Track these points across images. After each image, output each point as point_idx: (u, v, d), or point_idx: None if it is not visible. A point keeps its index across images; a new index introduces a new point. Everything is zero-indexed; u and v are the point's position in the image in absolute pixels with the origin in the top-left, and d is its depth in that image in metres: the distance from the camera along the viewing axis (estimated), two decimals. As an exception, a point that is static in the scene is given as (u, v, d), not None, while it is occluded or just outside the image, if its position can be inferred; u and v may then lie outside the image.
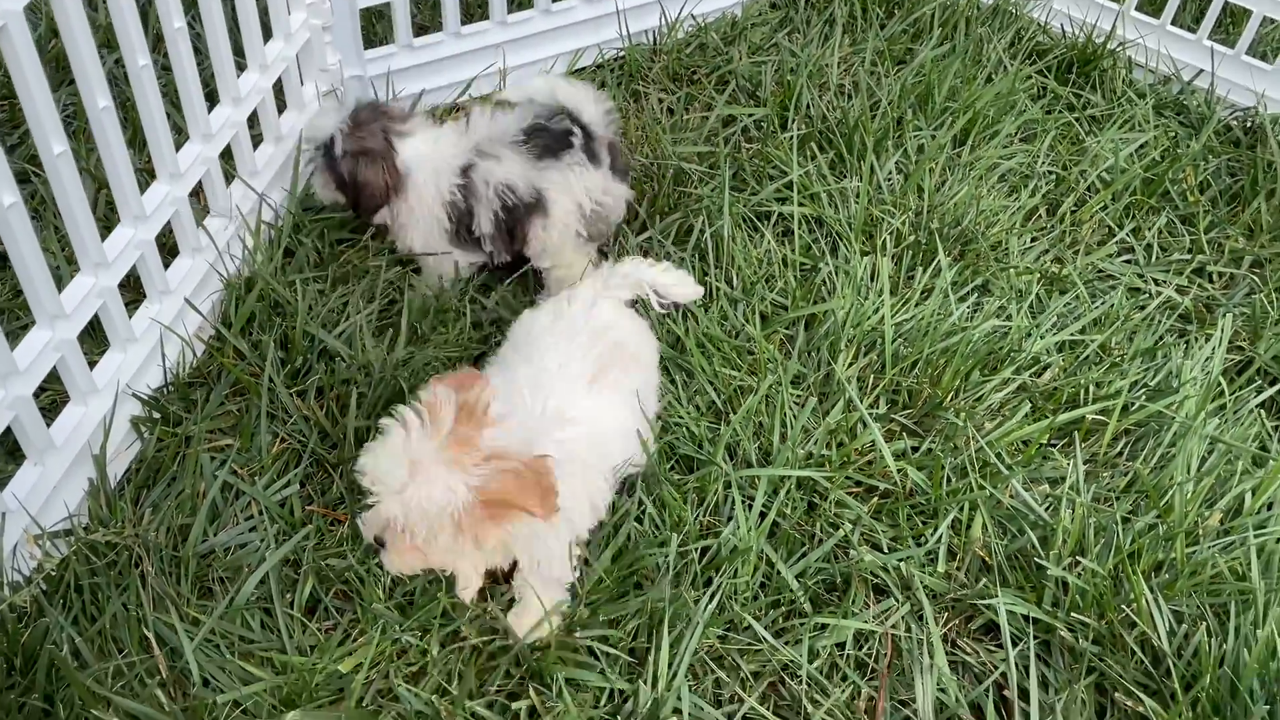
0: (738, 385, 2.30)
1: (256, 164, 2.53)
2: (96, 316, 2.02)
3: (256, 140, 2.57)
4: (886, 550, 2.06)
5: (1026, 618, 1.96)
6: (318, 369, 2.25)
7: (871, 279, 2.52)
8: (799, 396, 2.29)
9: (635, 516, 2.01)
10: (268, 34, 2.55)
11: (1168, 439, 2.27)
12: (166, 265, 2.24)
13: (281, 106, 2.68)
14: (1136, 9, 3.31)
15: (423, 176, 2.38)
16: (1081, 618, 1.94)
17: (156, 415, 2.17)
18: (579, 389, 1.87)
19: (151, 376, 2.18)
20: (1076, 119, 3.11)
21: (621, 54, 3.27)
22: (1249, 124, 3.14)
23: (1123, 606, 1.93)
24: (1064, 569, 1.99)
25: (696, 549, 1.99)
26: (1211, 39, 3.21)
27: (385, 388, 2.22)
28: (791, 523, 2.06)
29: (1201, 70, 3.23)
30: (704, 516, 2.07)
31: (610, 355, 1.94)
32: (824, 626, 1.93)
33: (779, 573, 1.98)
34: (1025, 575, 2.03)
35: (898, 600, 1.99)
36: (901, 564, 2.02)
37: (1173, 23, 3.26)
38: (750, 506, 2.06)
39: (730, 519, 2.04)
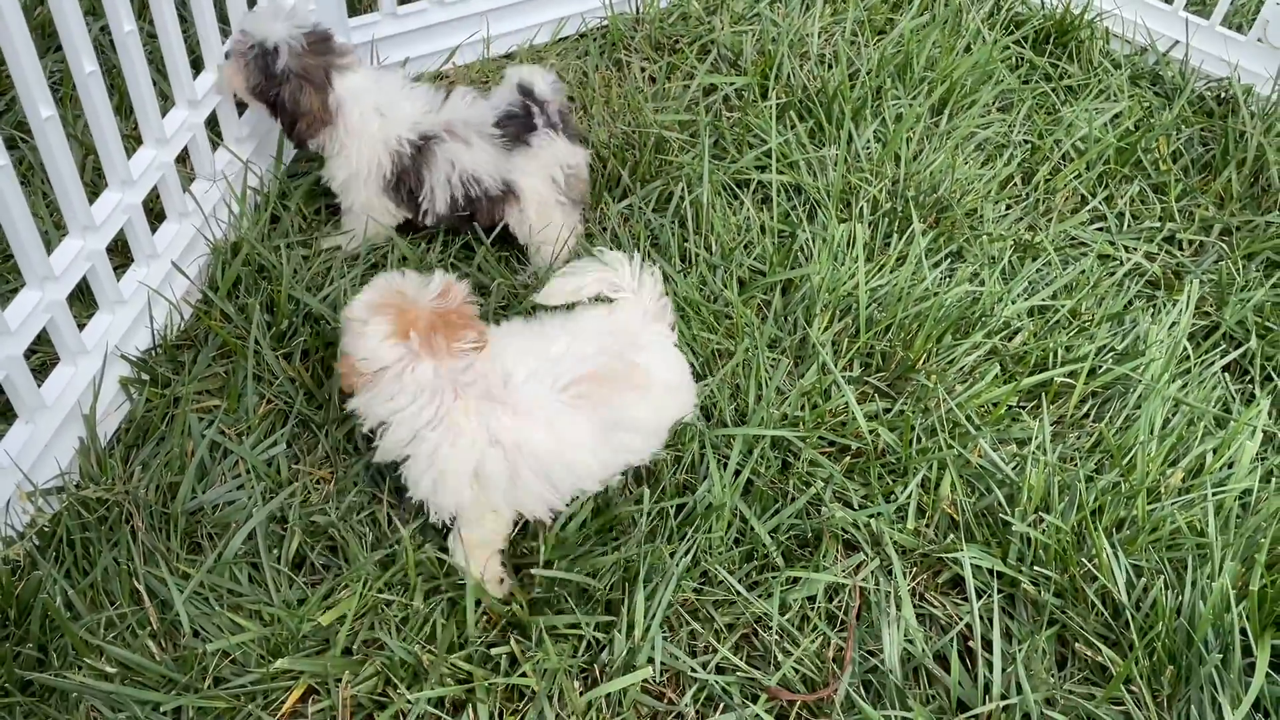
0: (714, 348, 2.36)
1: (242, 130, 2.56)
2: (85, 280, 2.06)
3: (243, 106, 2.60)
4: (857, 507, 2.12)
5: (992, 571, 2.03)
6: (303, 332, 2.29)
7: (848, 246, 2.57)
8: (774, 359, 2.35)
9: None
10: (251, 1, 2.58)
11: (1133, 401, 2.33)
12: (154, 230, 2.28)
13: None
14: (1114, -20, 3.35)
15: (359, 113, 2.36)
16: (1044, 571, 2.00)
17: (145, 376, 2.21)
18: (551, 387, 1.86)
19: (140, 339, 2.22)
20: (1053, 89, 3.15)
21: (605, 23, 3.30)
22: (1222, 94, 3.19)
23: (1084, 561, 2.00)
24: (1029, 525, 2.05)
25: (672, 505, 2.05)
26: (1187, 10, 3.26)
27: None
28: (765, 481, 2.12)
29: (1177, 41, 3.27)
30: (680, 474, 2.12)
31: (611, 371, 1.90)
32: (795, 580, 1.99)
33: (752, 528, 2.04)
34: (991, 531, 2.10)
35: (868, 555, 2.06)
36: (872, 520, 2.09)
37: (1150, -7, 3.31)
38: (725, 465, 2.12)
39: (705, 477, 2.10)
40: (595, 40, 3.27)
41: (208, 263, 2.41)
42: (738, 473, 2.12)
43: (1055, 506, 2.09)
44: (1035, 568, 2.01)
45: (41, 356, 2.22)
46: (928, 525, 2.13)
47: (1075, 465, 2.20)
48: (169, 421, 2.16)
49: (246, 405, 2.19)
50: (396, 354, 1.77)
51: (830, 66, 3.11)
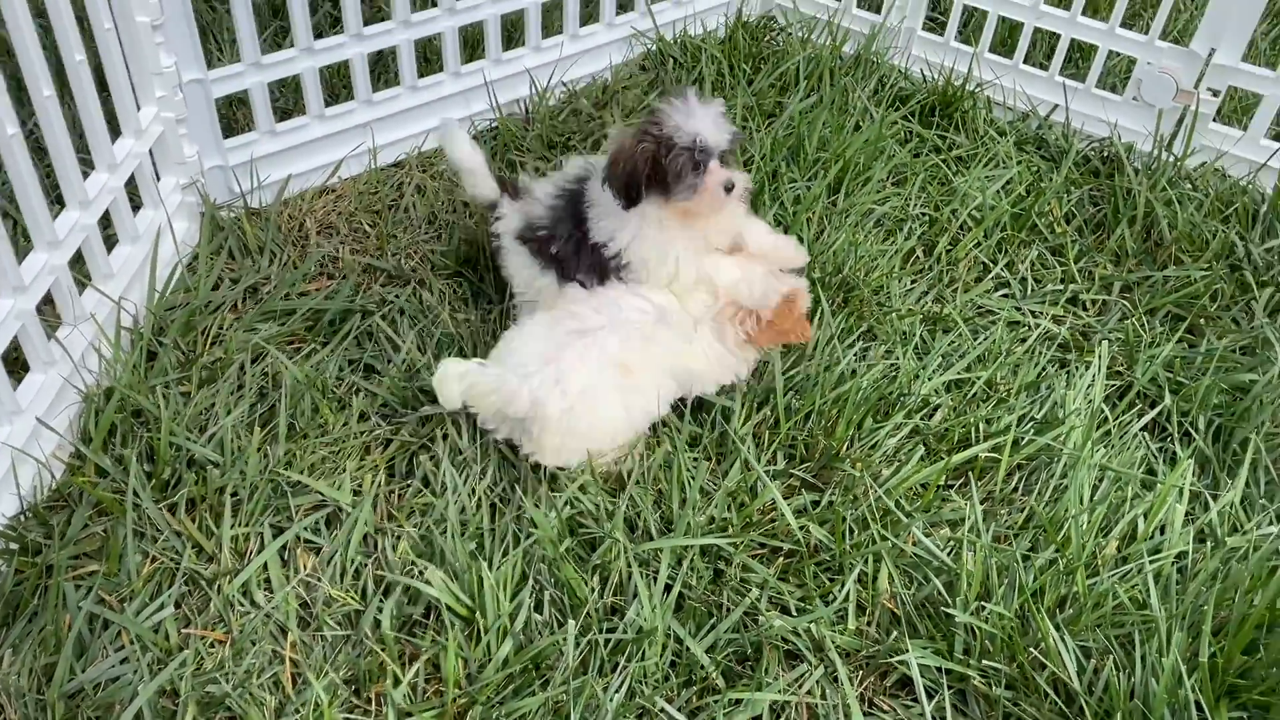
0: (633, 452, 2.26)
1: (112, 266, 2.41)
2: (-64, 447, 1.88)
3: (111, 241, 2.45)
4: (796, 612, 2.02)
5: (940, 669, 1.94)
6: (188, 478, 2.13)
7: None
8: (695, 458, 2.25)
9: (533, 604, 1.94)
10: (116, 131, 2.45)
11: (1059, 470, 2.29)
12: (18, 382, 2.10)
13: (138, 204, 2.57)
14: (990, 50, 3.42)
15: None
16: (993, 664, 1.92)
17: (13, 546, 2.02)
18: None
19: (5, 505, 2.03)
20: (943, 160, 3.18)
21: (494, 124, 3.24)
22: (1105, 154, 3.26)
23: (1030, 649, 1.92)
24: (971, 614, 1.97)
25: (601, 636, 1.92)
26: (1063, 74, 3.34)
27: (264, 491, 2.11)
28: (698, 593, 2.01)
29: (1057, 105, 3.34)
30: (608, 596, 2.00)
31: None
32: (738, 701, 1.87)
33: (688, 649, 1.92)
34: (934, 623, 2.02)
35: (810, 664, 1.95)
36: (812, 625, 1.98)
37: (1025, 61, 3.38)
38: (654, 580, 2.00)
39: (635, 596, 1.98)
40: (487, 142, 3.20)
41: (79, 412, 2.23)
42: (669, 588, 2.01)
43: (996, 591, 2.02)
44: (983, 660, 1.93)
45: (-107, 534, 2.02)
46: (869, 623, 2.04)
47: (1010, 545, 2.13)
48: (42, 594, 1.96)
49: (128, 567, 2.01)
50: None
51: (724, 153, 3.09)
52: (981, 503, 2.22)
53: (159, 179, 2.65)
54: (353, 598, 2.01)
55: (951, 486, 2.30)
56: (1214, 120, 3.15)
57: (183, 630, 1.95)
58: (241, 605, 1.99)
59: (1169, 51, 3.12)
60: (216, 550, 2.05)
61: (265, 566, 2.05)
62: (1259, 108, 3.05)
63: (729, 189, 2.22)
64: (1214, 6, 2.99)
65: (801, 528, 2.12)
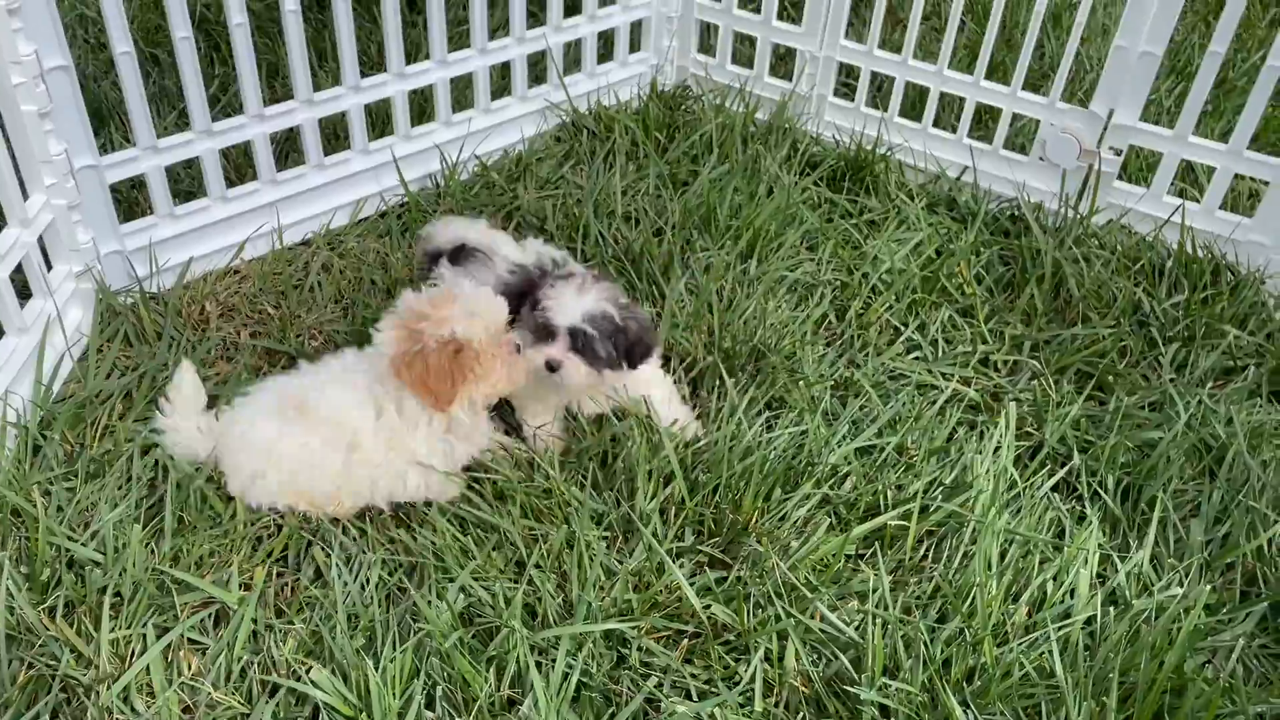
0: (538, 534, 2.21)
1: (-5, 359, 2.34)
2: None
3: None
4: (698, 697, 1.96)
5: (846, 750, 1.89)
6: (67, 580, 2.04)
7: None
8: (601, 536, 2.20)
9: (424, 700, 1.87)
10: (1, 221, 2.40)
11: (967, 537, 2.27)
12: (-117, 486, 2.02)
13: (26, 294, 2.51)
14: (900, 114, 3.47)
15: None
16: (901, 742, 1.87)
17: (-126, 659, 1.92)
18: None
19: None
20: (854, 225, 3.20)
21: (404, 201, 3.22)
22: (1013, 214, 3.30)
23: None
24: (877, 692, 1.93)
25: (495, 729, 1.85)
26: (971, 137, 3.38)
27: (147, 589, 2.03)
28: (598, 682, 1.95)
29: (966, 167, 3.39)
30: (504, 689, 1.93)
31: None
32: (636, 795, 1.81)
33: (585, 741, 1.86)
34: (843, 701, 1.97)
35: (715, 752, 1.89)
36: (716, 710, 1.93)
37: (935, 124, 3.43)
38: (553, 669, 1.94)
39: (532, 688, 1.91)
40: (399, 218, 3.18)
41: (-46, 513, 2.15)
42: (565, 678, 1.94)
43: (903, 665, 1.98)
44: (891, 739, 1.88)
45: None
46: (776, 704, 1.99)
47: (917, 616, 2.10)
48: (-98, 711, 1.86)
49: (2, 676, 1.91)
50: None
51: (637, 223, 3.09)
52: (891, 572, 2.19)
53: (50, 268, 2.59)
54: (238, 701, 1.93)
55: (863, 556, 2.26)
56: (1118, 179, 3.20)
57: (56, 744, 1.86)
58: (122, 713, 1.90)
59: (1070, 113, 3.18)
60: (95, 655, 1.96)
61: (148, 670, 1.96)
62: (1160, 165, 3.11)
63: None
64: (1110, 69, 3.06)
65: (705, 607, 2.07)
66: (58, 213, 2.55)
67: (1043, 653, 2.02)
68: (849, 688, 1.94)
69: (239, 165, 3.19)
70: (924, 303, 2.95)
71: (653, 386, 2.45)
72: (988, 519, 2.22)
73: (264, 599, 2.10)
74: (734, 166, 3.31)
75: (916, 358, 2.81)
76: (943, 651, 2.00)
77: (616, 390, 2.41)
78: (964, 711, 1.89)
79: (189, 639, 2.02)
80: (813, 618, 2.08)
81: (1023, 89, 3.25)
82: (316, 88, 2.97)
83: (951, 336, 2.88)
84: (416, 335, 2.11)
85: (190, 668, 1.98)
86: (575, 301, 2.25)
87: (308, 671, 1.91)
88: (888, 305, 2.91)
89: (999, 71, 3.54)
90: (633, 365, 2.32)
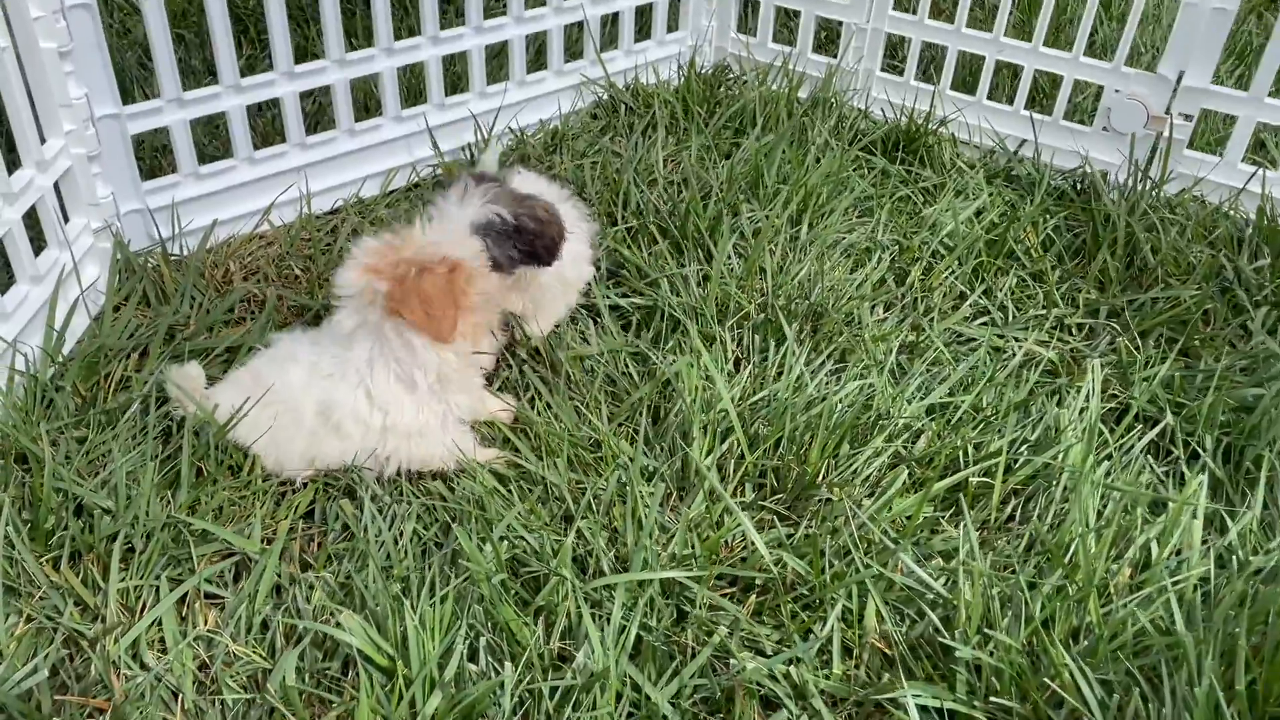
0: (581, 486, 2.01)
1: (7, 307, 2.19)
2: None
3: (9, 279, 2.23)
4: (771, 653, 1.75)
5: (941, 711, 1.67)
6: (74, 527, 1.86)
7: (723, 365, 2.31)
8: (652, 493, 2.01)
9: (465, 651, 1.66)
10: (16, 163, 2.26)
11: (1059, 494, 2.06)
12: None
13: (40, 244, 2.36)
14: (951, 89, 3.32)
15: None
16: (1002, 702, 1.65)
17: None
18: None
19: None
20: (910, 192, 3.03)
21: (438, 173, 3.08)
22: (1078, 183, 3.13)
23: (1046, 682, 1.66)
24: (974, 649, 1.71)
25: (546, 684, 1.64)
26: (1027, 109, 3.23)
27: (161, 539, 1.85)
28: (658, 636, 1.74)
29: (1024, 140, 3.23)
30: (554, 642, 1.73)
31: None
32: (707, 755, 1.59)
33: (648, 698, 1.64)
34: (933, 663, 1.75)
35: (792, 713, 1.67)
36: (790, 668, 1.72)
37: (989, 98, 3.28)
38: (608, 623, 1.74)
39: (586, 641, 1.71)
40: (431, 189, 3.03)
41: (-46, 458, 1.98)
42: (623, 630, 1.74)
43: (999, 623, 1.76)
44: (990, 699, 1.66)
45: None
46: (856, 666, 1.77)
47: (1016, 570, 1.89)
48: (-114, 661, 1.67)
49: (-3, 628, 1.73)
50: None
51: (681, 189, 2.93)
52: (975, 531, 1.98)
53: (67, 220, 2.45)
54: (259, 655, 1.73)
55: (940, 517, 2.06)
56: (1187, 148, 3.03)
57: (56, 698, 1.66)
58: (129, 668, 1.71)
59: (1137, 77, 3.02)
60: (102, 606, 1.77)
61: (160, 623, 1.77)
62: (1234, 130, 2.94)
63: None
64: (1180, 27, 2.90)
65: (776, 560, 1.87)
66: (76, 162, 2.41)
67: (1157, 611, 1.80)
68: (940, 642, 1.72)
69: (266, 135, 3.06)
70: (989, 267, 2.77)
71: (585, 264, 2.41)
72: (1085, 469, 2.02)
73: (288, 554, 1.91)
74: (780, 135, 3.15)
75: (984, 324, 2.62)
76: (1043, 608, 1.79)
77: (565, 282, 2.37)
78: (1075, 669, 1.67)
79: (206, 593, 1.83)
80: (894, 571, 1.87)
81: (1084, 55, 3.10)
82: (349, 49, 2.84)
83: (1021, 302, 2.69)
84: (402, 265, 1.91)
85: (207, 621, 1.78)
86: (459, 213, 2.11)
87: (335, 617, 1.72)
88: (950, 270, 2.73)
89: (1056, 32, 3.39)
90: (546, 262, 2.20)
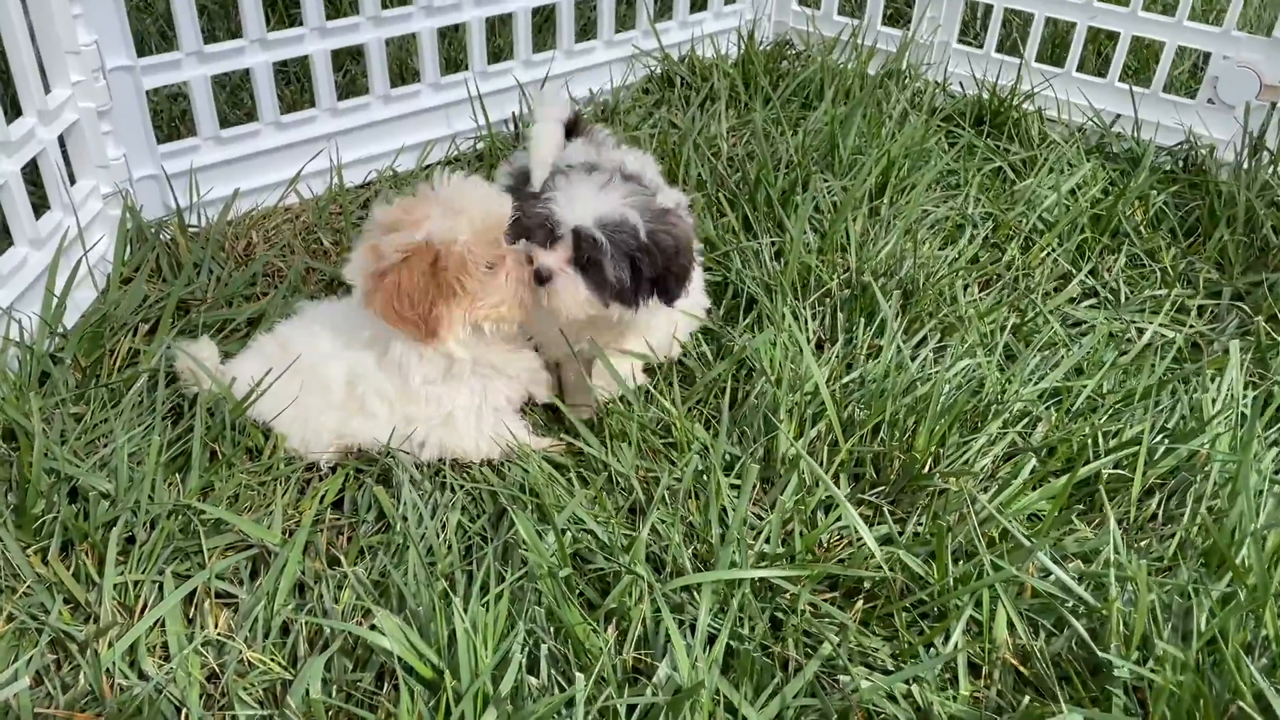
0: (653, 477, 1.74)
1: (1, 270, 1.94)
2: None
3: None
4: (887, 669, 1.46)
5: (1101, 741, 1.37)
6: (66, 513, 1.60)
7: (807, 342, 2.03)
8: (734, 485, 1.73)
9: (524, 661, 1.38)
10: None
11: (1209, 489, 1.76)
12: None
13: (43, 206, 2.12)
14: (1035, 60, 3.05)
15: None
16: (1177, 731, 1.36)
17: None
18: None
19: None
20: (1001, 164, 2.75)
21: (478, 146, 2.82)
22: (1183, 159, 2.83)
23: (1236, 706, 1.36)
24: (1134, 663, 1.42)
25: (622, 701, 1.36)
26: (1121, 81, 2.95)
27: (167, 529, 1.58)
28: (753, 646, 1.45)
29: (1119, 115, 2.94)
30: (628, 651, 1.44)
31: None
32: (822, 792, 1.30)
33: (745, 719, 1.36)
34: (1081, 684, 1.45)
35: (918, 741, 1.38)
36: (913, 687, 1.42)
37: (1078, 69, 3.00)
38: (693, 629, 1.45)
39: (666, 653, 1.42)
40: (471, 165, 2.78)
41: (-64, 435, 1.72)
42: (712, 639, 1.45)
43: (1157, 637, 1.46)
44: (1162, 727, 1.36)
45: None
46: (986, 686, 1.48)
47: (1183, 574, 1.58)
48: None
49: (-32, 628, 1.46)
50: None
51: (747, 160, 2.67)
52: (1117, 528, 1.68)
53: (73, 183, 2.21)
54: (278, 663, 1.46)
55: (1068, 511, 1.77)
56: (1302, 118, 2.74)
57: (38, 710, 1.39)
58: (125, 677, 1.44)
59: (1249, 42, 2.73)
60: (96, 604, 1.50)
61: (162, 626, 1.50)
62: (1360, 98, 2.65)
63: None
64: (1299, -16, 2.62)
65: (888, 558, 1.57)
66: (84, 116, 2.17)
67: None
68: (1089, 660, 1.43)
69: (294, 104, 2.83)
70: (1095, 245, 2.48)
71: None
72: (1247, 458, 1.71)
73: (313, 547, 1.64)
74: (854, 103, 2.88)
75: (1093, 305, 2.33)
76: (1209, 621, 1.49)
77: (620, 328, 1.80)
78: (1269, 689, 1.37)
79: (217, 591, 1.56)
80: (1028, 573, 1.57)
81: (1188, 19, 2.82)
82: (385, 5, 2.60)
83: (1133, 280, 2.40)
84: (382, 251, 1.62)
85: (217, 623, 1.51)
86: (591, 198, 1.66)
87: (369, 616, 1.44)
88: (1051, 246, 2.44)
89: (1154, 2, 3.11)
90: (666, 299, 1.72)
